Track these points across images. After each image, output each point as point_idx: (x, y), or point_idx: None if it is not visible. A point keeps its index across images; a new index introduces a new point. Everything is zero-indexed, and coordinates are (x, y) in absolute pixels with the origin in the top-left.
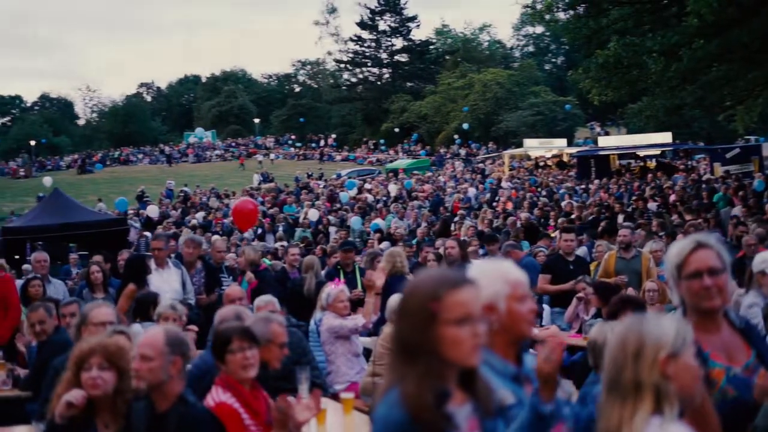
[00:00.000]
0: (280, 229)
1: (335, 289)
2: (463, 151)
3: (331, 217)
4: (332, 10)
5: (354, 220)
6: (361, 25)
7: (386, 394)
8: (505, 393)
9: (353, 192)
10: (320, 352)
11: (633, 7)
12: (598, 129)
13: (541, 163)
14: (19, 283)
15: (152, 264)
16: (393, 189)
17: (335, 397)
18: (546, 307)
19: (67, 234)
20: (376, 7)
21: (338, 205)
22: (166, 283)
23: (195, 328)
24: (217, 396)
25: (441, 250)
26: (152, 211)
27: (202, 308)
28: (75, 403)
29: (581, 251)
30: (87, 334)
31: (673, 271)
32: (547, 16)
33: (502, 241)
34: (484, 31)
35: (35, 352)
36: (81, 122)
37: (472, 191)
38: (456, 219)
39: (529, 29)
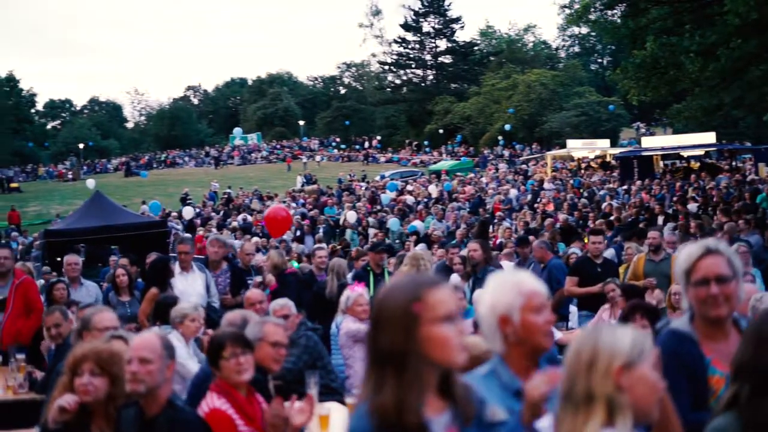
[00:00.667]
0: (321, 231)
1: (355, 292)
2: (506, 152)
3: (371, 219)
4: (376, 12)
5: (392, 222)
6: (405, 26)
7: (358, 407)
8: (497, 409)
9: (394, 194)
10: (340, 355)
11: (672, 7)
12: (643, 129)
13: (584, 164)
14: None
15: (177, 267)
16: (433, 190)
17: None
18: (573, 308)
19: (108, 236)
20: (420, 8)
21: (378, 207)
22: (191, 286)
23: (211, 332)
24: (211, 402)
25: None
26: (188, 212)
27: (227, 309)
28: (67, 408)
29: (608, 253)
30: (90, 339)
31: (683, 277)
32: (592, 16)
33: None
34: (528, 31)
35: (52, 356)
36: (129, 125)
37: (513, 192)
38: (495, 221)
39: (575, 30)
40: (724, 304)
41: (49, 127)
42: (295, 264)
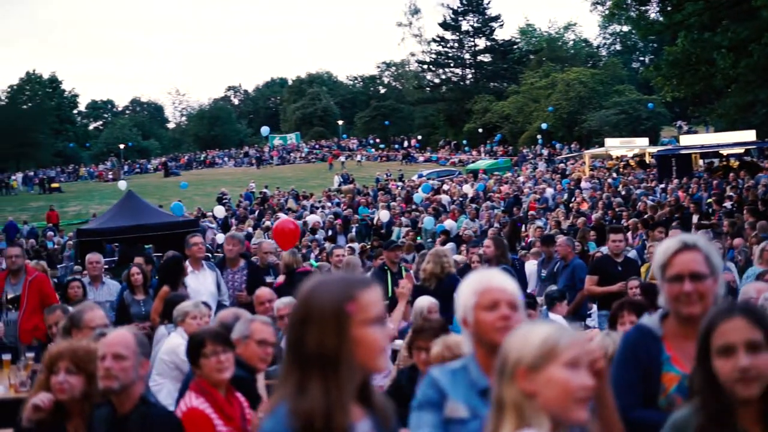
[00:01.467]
0: (353, 230)
1: None
2: (545, 151)
3: (404, 219)
4: (415, 11)
5: (426, 221)
6: (444, 25)
7: (275, 408)
8: (457, 406)
9: (429, 193)
10: None
11: (708, 2)
12: (685, 128)
13: (623, 163)
14: None
15: (188, 266)
16: (468, 190)
17: None
18: (593, 306)
19: (140, 236)
20: (458, 7)
21: (414, 206)
22: (202, 285)
23: None
24: (189, 401)
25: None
26: (219, 211)
27: (242, 306)
28: (41, 406)
29: (631, 253)
30: (79, 337)
31: (659, 272)
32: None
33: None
34: (569, 29)
35: None
36: (171, 126)
37: (549, 192)
38: (527, 220)
39: (616, 27)
40: (698, 302)
41: (91, 127)
42: (314, 263)
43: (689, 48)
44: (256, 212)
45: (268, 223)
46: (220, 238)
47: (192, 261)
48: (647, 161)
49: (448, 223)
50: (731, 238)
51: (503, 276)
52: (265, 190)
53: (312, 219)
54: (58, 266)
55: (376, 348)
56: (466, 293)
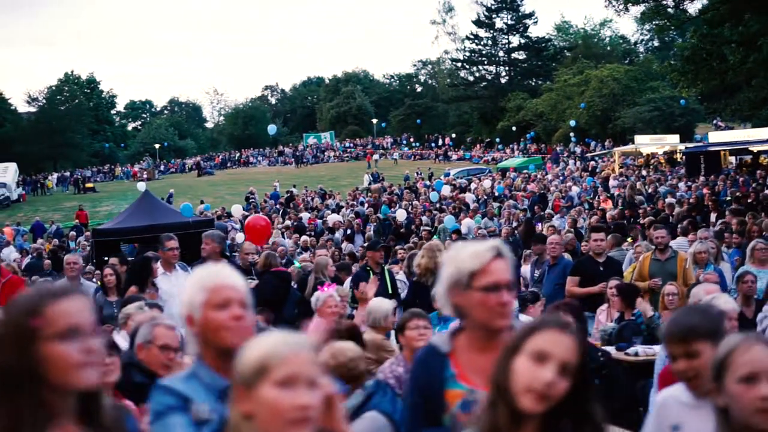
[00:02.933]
0: (371, 229)
1: (324, 293)
2: (578, 149)
3: (424, 218)
4: (449, 9)
5: (446, 220)
6: (478, 23)
7: None
8: (202, 407)
9: (446, 191)
10: None
11: None
12: (721, 124)
13: (653, 160)
14: None
15: (160, 267)
16: (488, 187)
17: None
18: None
19: (154, 236)
20: (492, 4)
21: (438, 205)
22: (174, 286)
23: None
24: None
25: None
26: (236, 210)
27: None
28: None
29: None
30: None
31: (461, 278)
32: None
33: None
34: (605, 26)
35: None
36: (209, 125)
37: (575, 190)
38: (544, 218)
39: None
40: (510, 314)
41: (130, 128)
42: (297, 264)
43: (698, 43)
44: (281, 211)
45: (288, 222)
46: (240, 237)
47: (164, 263)
48: (677, 158)
49: (466, 222)
50: (740, 236)
51: (233, 273)
52: (293, 189)
53: (333, 218)
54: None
55: (67, 363)
56: (193, 289)
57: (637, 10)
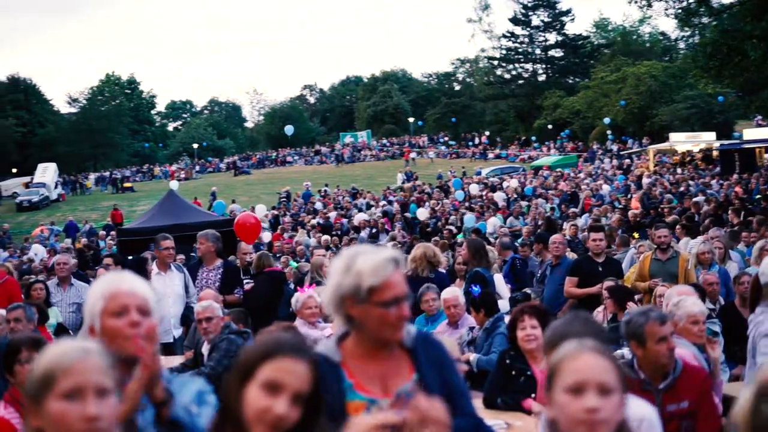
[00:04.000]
0: (397, 227)
1: (303, 294)
2: (615, 147)
3: (453, 217)
4: (485, 7)
5: (466, 219)
6: (514, 20)
7: None
8: None
9: (474, 190)
10: None
11: None
12: (762, 123)
13: (688, 158)
14: None
15: (154, 267)
16: (514, 185)
17: None
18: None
19: (179, 235)
20: (529, 2)
21: (468, 203)
22: (168, 286)
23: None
24: None
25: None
26: (260, 210)
27: None
28: None
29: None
30: None
31: (358, 291)
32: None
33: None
34: (644, 22)
35: None
36: (249, 125)
37: (606, 188)
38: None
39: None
40: (404, 325)
41: (170, 128)
42: (294, 264)
43: (719, 38)
44: (311, 210)
45: (313, 221)
46: (267, 236)
47: (159, 263)
48: (714, 156)
49: (492, 221)
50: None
51: (134, 279)
52: (326, 188)
53: (359, 217)
54: (96, 267)
55: None
56: (93, 298)
57: (660, 6)
